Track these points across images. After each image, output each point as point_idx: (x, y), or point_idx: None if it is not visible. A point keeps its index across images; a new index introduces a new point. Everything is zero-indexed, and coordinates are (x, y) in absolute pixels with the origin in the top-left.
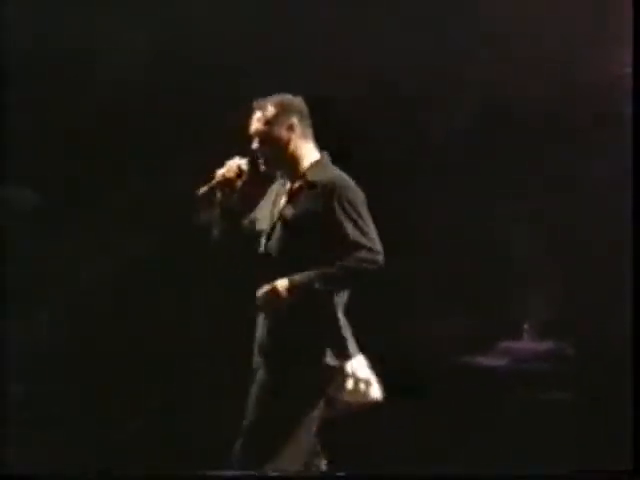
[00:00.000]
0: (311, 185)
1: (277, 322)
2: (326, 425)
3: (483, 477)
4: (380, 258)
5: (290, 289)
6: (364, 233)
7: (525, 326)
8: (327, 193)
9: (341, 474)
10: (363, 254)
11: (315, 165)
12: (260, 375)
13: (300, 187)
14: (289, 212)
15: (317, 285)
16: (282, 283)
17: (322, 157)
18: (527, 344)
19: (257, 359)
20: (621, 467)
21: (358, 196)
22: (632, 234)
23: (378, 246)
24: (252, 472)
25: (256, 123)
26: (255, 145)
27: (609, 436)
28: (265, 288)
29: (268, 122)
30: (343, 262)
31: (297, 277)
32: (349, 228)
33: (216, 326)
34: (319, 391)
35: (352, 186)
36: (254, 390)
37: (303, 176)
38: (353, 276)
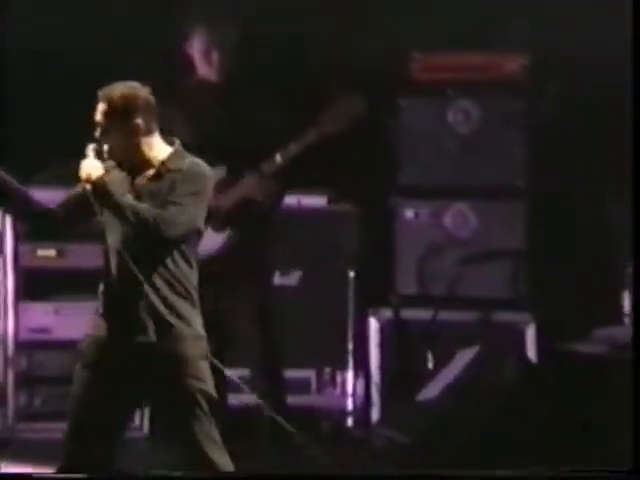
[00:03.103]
0: (176, 170)
1: None
2: None
3: (483, 477)
4: (174, 232)
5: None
6: (180, 206)
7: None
8: (189, 175)
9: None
10: (164, 215)
11: (175, 154)
12: None
13: (158, 174)
14: (149, 194)
15: (127, 207)
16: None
17: (177, 147)
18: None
19: None
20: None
21: (208, 184)
22: None
23: (181, 220)
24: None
25: (99, 115)
26: (97, 134)
27: None
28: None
29: (110, 117)
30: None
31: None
32: (175, 197)
33: None
34: None
35: (210, 173)
36: None
37: (162, 165)
38: (145, 222)
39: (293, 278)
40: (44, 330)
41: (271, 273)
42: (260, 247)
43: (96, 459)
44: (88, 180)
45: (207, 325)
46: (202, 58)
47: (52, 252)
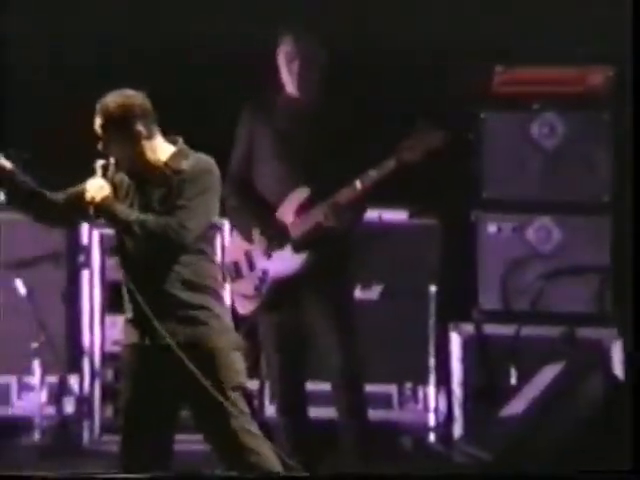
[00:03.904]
0: (178, 172)
1: None
2: None
3: (483, 476)
4: (186, 237)
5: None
6: (188, 210)
7: None
8: (194, 174)
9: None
10: (172, 223)
11: (177, 154)
12: None
13: (163, 176)
14: (158, 199)
15: (133, 222)
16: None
17: (180, 146)
18: None
19: None
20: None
21: (215, 180)
22: None
23: (191, 225)
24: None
25: (98, 128)
26: (100, 147)
27: None
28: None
29: (110, 129)
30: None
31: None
32: (183, 201)
33: None
34: None
35: (215, 169)
36: None
37: (166, 166)
38: (154, 234)
39: (374, 292)
40: None
41: (352, 289)
42: (340, 265)
43: (150, 460)
44: (92, 202)
45: (290, 341)
46: (285, 70)
47: None
